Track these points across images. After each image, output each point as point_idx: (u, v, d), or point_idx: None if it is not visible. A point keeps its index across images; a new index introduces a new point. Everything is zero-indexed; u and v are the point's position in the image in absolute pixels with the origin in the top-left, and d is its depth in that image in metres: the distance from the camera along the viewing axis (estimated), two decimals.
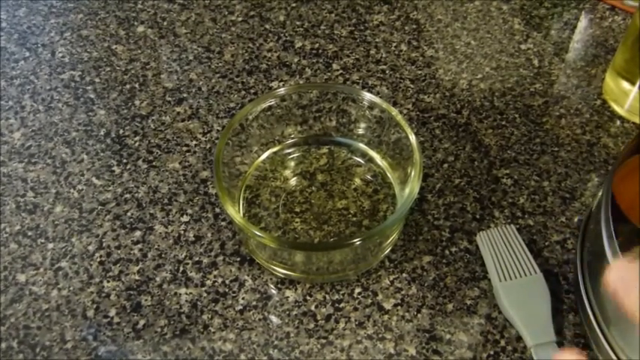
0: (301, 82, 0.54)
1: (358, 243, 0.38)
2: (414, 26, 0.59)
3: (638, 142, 0.40)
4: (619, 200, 0.40)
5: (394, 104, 0.52)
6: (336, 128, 0.48)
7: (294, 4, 0.61)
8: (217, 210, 0.46)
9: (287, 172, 0.47)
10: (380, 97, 0.45)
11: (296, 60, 0.56)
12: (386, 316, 0.41)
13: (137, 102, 0.53)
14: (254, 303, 0.41)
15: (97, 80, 0.54)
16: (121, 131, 0.51)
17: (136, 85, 0.54)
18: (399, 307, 0.41)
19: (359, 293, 0.42)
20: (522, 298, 0.40)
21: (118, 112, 0.52)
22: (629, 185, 0.41)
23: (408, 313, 0.41)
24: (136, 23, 0.59)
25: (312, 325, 0.41)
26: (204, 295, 0.42)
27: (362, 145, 0.48)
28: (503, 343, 0.40)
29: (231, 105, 0.52)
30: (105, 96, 0.53)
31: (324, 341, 0.40)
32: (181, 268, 0.43)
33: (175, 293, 0.42)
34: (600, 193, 0.39)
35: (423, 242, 0.44)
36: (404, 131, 0.42)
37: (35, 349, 0.40)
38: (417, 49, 0.57)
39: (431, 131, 0.50)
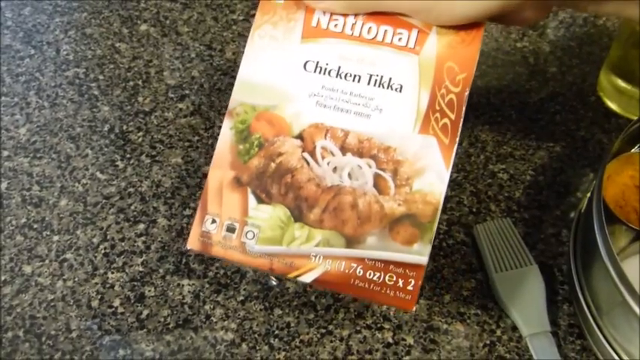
0: None
1: None
2: None
3: (621, 142, 0.42)
4: (606, 200, 0.41)
5: None
6: None
7: None
8: None
9: None
10: None
11: None
12: (384, 307, 0.42)
13: (140, 98, 0.54)
14: (255, 294, 0.42)
15: (100, 77, 0.55)
16: (125, 127, 0.52)
17: (139, 82, 0.55)
18: (399, 310, 0.42)
19: None
20: (518, 288, 0.41)
21: (121, 109, 0.53)
22: (614, 185, 0.42)
23: None
24: (139, 22, 0.60)
25: (312, 316, 0.41)
26: (207, 286, 0.43)
27: None
28: (499, 332, 0.41)
29: None
30: (109, 93, 0.54)
31: (323, 331, 0.41)
32: (184, 260, 0.44)
33: (178, 284, 0.43)
34: (592, 188, 0.40)
35: None
36: None
37: (41, 338, 0.41)
38: None
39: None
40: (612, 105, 0.52)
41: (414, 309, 0.32)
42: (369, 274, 0.32)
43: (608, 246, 0.35)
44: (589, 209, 0.39)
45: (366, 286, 0.32)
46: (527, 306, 0.41)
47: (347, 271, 0.32)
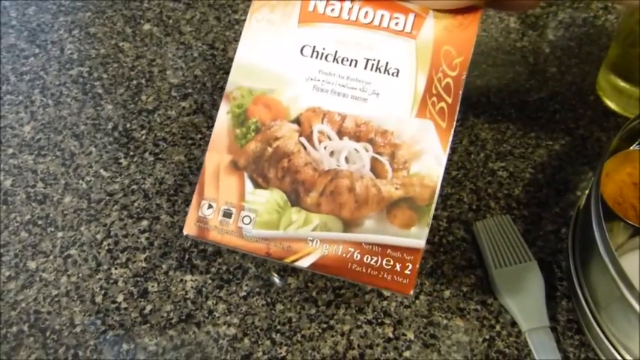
0: None
1: None
2: None
3: (619, 140, 0.42)
4: (605, 197, 0.41)
5: None
6: None
7: None
8: None
9: None
10: None
11: None
12: (385, 302, 0.42)
13: (144, 97, 0.54)
14: (257, 289, 0.43)
15: (104, 76, 0.56)
16: (128, 125, 0.52)
17: (143, 81, 0.55)
18: (397, 294, 0.42)
19: None
20: (517, 284, 0.42)
21: (125, 107, 0.54)
22: (612, 182, 0.42)
23: (407, 299, 0.42)
24: (142, 21, 0.60)
25: (313, 311, 0.42)
26: (209, 281, 0.43)
27: None
28: (498, 327, 0.41)
29: None
30: (112, 91, 0.55)
31: (325, 326, 0.41)
32: (187, 256, 0.45)
33: (181, 280, 0.43)
34: (591, 185, 0.40)
35: None
36: None
37: (45, 332, 0.41)
38: None
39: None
40: (611, 104, 0.52)
41: (412, 293, 0.32)
42: (367, 258, 0.32)
43: (606, 242, 0.36)
44: (587, 206, 0.39)
45: (364, 270, 0.32)
46: (527, 301, 0.41)
47: (344, 255, 0.32)
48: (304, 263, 0.33)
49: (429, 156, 0.32)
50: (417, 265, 0.32)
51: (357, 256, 0.32)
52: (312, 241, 0.32)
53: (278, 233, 0.33)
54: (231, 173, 0.34)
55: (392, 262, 0.32)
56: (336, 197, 0.33)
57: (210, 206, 0.33)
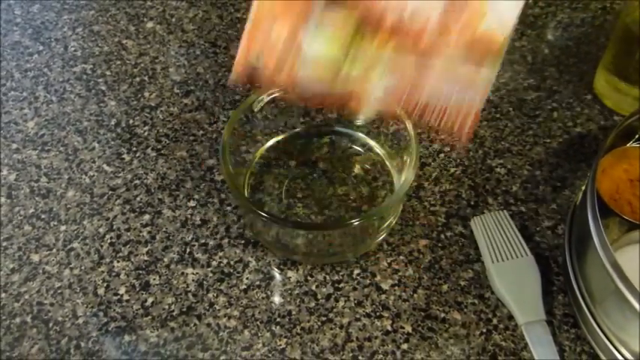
0: None
1: (357, 224, 0.39)
2: None
3: (615, 137, 0.43)
4: (601, 193, 0.42)
5: None
6: (337, 119, 0.50)
7: None
8: (223, 196, 0.48)
9: (290, 161, 0.49)
10: None
11: None
12: (383, 296, 0.43)
13: (146, 94, 0.55)
14: (257, 283, 0.43)
15: (107, 73, 0.57)
16: (131, 121, 0.53)
17: (146, 78, 0.56)
18: (396, 288, 0.43)
19: (358, 274, 0.44)
20: (514, 278, 0.42)
21: (128, 104, 0.54)
22: (608, 179, 0.43)
23: (405, 292, 0.43)
24: (145, 19, 0.61)
25: (312, 304, 0.42)
26: (210, 275, 0.44)
27: (362, 135, 0.50)
28: (495, 321, 0.42)
29: (237, 97, 0.55)
30: (115, 88, 0.55)
31: (324, 319, 0.42)
32: (188, 250, 0.45)
33: (182, 273, 0.44)
34: (587, 182, 0.41)
35: (420, 227, 0.46)
36: (402, 122, 0.44)
37: (48, 324, 0.42)
38: None
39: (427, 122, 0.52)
40: (608, 102, 0.53)
41: (469, 144, 0.31)
42: (433, 100, 0.32)
43: (602, 237, 0.36)
44: (584, 202, 0.40)
45: (427, 112, 0.32)
46: (523, 295, 0.41)
47: (411, 92, 0.31)
48: (368, 104, 0.32)
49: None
50: (479, 113, 0.32)
51: (422, 101, 0.32)
52: (378, 81, 0.31)
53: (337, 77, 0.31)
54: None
55: (455, 111, 0.32)
56: (410, 31, 0.30)
57: (260, 51, 0.31)
